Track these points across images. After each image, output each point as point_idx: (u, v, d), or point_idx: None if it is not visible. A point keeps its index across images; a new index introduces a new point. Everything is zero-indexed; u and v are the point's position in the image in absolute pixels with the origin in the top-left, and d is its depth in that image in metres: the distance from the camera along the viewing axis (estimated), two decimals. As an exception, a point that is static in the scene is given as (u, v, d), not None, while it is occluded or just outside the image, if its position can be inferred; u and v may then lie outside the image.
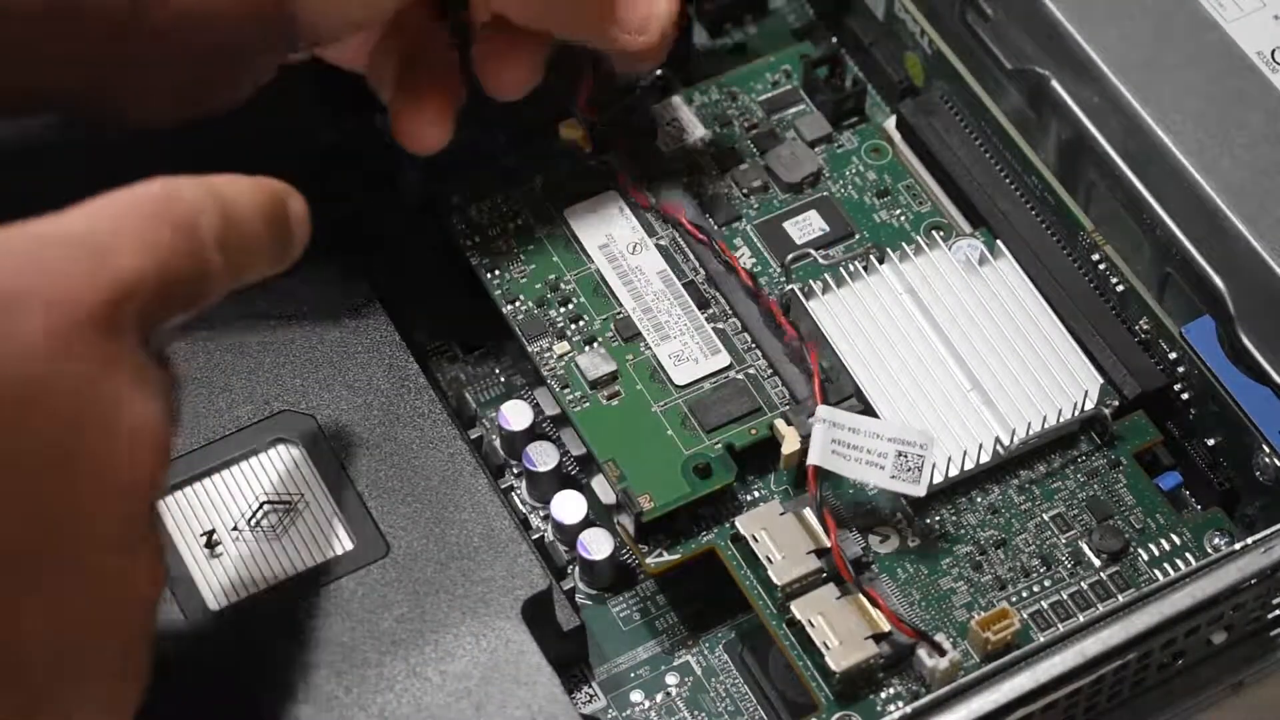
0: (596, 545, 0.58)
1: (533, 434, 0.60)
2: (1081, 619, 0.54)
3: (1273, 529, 0.52)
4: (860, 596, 0.54)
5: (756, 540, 0.55)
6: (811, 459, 0.55)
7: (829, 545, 0.55)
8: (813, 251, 0.62)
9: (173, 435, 0.45)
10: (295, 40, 0.54)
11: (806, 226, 0.63)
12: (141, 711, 0.51)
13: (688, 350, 0.59)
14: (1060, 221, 0.61)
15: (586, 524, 0.58)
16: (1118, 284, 0.60)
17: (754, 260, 0.62)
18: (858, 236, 0.63)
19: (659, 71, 0.66)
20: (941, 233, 0.62)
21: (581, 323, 0.60)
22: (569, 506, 0.58)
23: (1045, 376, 0.58)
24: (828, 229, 0.63)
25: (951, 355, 0.58)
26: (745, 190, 0.64)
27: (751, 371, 0.59)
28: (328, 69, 0.64)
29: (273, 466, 0.56)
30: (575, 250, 0.62)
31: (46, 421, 0.41)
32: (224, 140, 0.62)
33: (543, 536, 0.59)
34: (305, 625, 0.53)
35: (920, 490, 0.55)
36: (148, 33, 0.51)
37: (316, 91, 0.64)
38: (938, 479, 0.57)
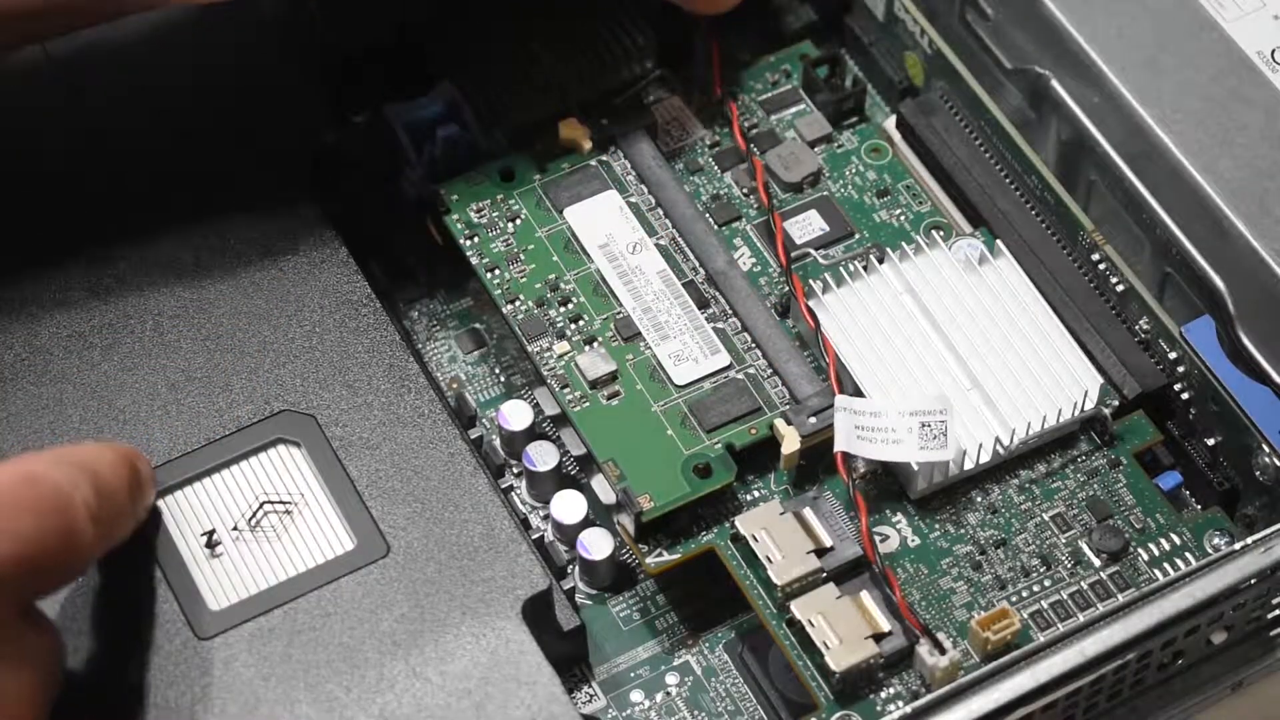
0: (596, 545, 0.58)
1: (533, 434, 0.60)
2: (1081, 619, 0.54)
3: (1273, 529, 0.52)
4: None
5: (756, 540, 0.55)
6: (838, 446, 0.55)
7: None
8: (813, 251, 0.62)
9: (52, 695, 0.48)
10: None
11: (806, 226, 0.63)
12: (146, 712, 0.51)
13: (688, 350, 0.59)
14: (1060, 221, 0.61)
15: (586, 524, 0.58)
16: (1118, 284, 0.60)
17: (754, 260, 0.62)
18: (858, 236, 0.63)
19: (658, 71, 0.66)
20: (941, 233, 0.62)
21: (581, 323, 0.60)
22: (569, 506, 0.58)
23: (1045, 376, 0.58)
24: (828, 229, 0.63)
25: (951, 355, 0.58)
26: (745, 190, 0.64)
27: (751, 371, 0.59)
28: (328, 68, 0.64)
29: (273, 466, 0.56)
30: (575, 250, 0.62)
31: None
32: (224, 140, 0.62)
33: (543, 536, 0.59)
34: (305, 625, 0.53)
35: (949, 454, 0.55)
36: None
37: (316, 91, 0.64)
38: (938, 478, 0.57)
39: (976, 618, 0.54)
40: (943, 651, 0.53)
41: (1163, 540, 0.56)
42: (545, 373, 0.59)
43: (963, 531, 0.57)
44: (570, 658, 0.57)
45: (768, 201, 0.62)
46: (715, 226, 0.63)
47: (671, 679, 0.57)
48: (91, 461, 0.49)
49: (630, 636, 0.58)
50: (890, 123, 0.66)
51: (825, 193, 0.64)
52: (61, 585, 0.50)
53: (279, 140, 0.62)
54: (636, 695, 0.57)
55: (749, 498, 0.58)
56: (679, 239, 0.62)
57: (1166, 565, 0.56)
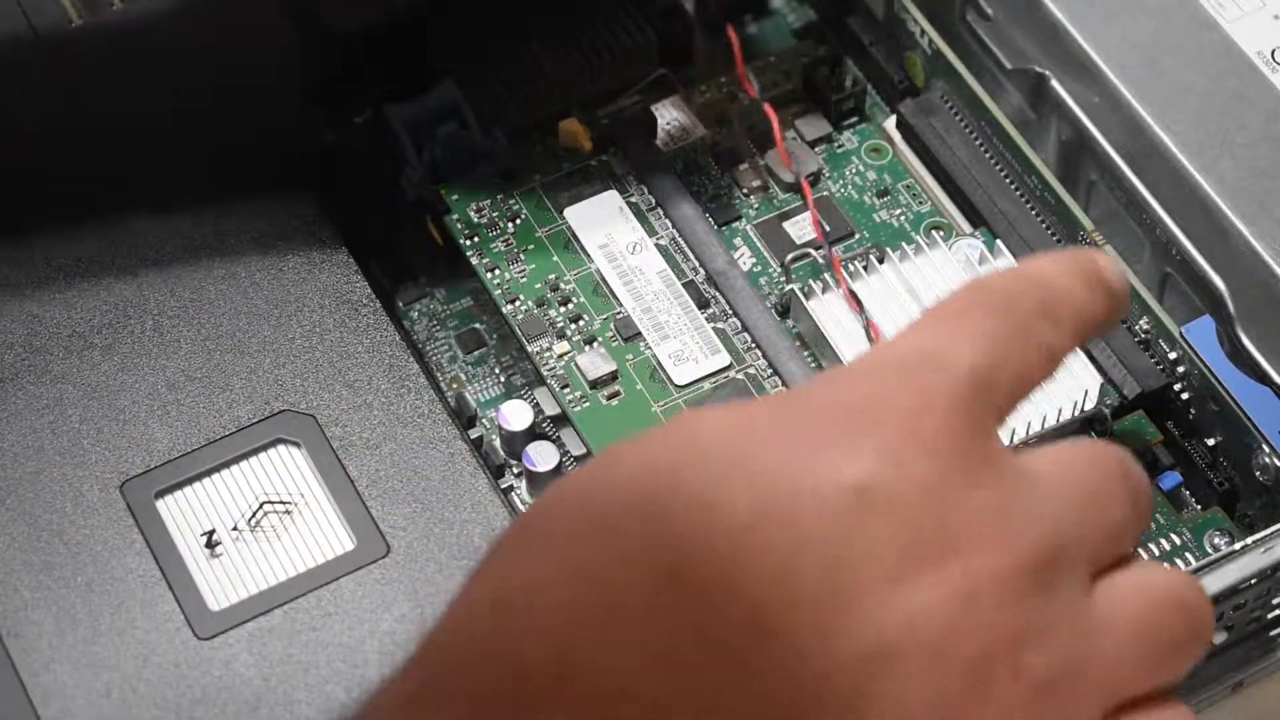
0: (596, 545, 0.58)
1: (533, 434, 0.60)
2: (1081, 619, 0.54)
3: (1273, 529, 0.52)
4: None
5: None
6: None
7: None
8: (813, 251, 0.62)
9: None
10: None
11: (806, 226, 0.63)
12: (146, 712, 0.51)
13: (688, 350, 0.59)
14: (1060, 221, 0.61)
15: (586, 524, 0.58)
16: (1118, 284, 0.60)
17: (754, 260, 0.62)
18: (858, 236, 0.63)
19: (658, 71, 0.66)
20: (941, 233, 0.62)
21: (581, 322, 0.60)
22: (569, 506, 0.58)
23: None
24: (828, 229, 0.63)
25: (951, 355, 0.58)
26: (745, 190, 0.64)
27: (751, 371, 0.59)
28: (329, 69, 0.64)
29: (273, 466, 0.56)
30: (575, 250, 0.62)
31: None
32: (224, 141, 0.62)
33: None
34: (305, 625, 0.53)
35: None
36: None
37: (317, 91, 0.64)
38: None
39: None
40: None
41: (1163, 540, 0.56)
42: (545, 373, 0.59)
43: (963, 531, 0.57)
44: (570, 658, 0.57)
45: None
46: (715, 226, 0.63)
47: (671, 679, 0.57)
48: (1031, 266, 0.45)
49: (630, 636, 0.58)
50: (890, 123, 0.65)
51: (825, 193, 0.64)
52: (1033, 388, 0.43)
53: (279, 140, 0.62)
54: (636, 695, 0.57)
55: (749, 498, 0.58)
56: (679, 239, 0.62)
57: (1166, 565, 0.55)
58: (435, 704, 0.38)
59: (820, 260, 0.62)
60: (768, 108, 0.63)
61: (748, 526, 0.38)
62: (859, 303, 0.59)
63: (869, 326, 0.58)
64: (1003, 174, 0.63)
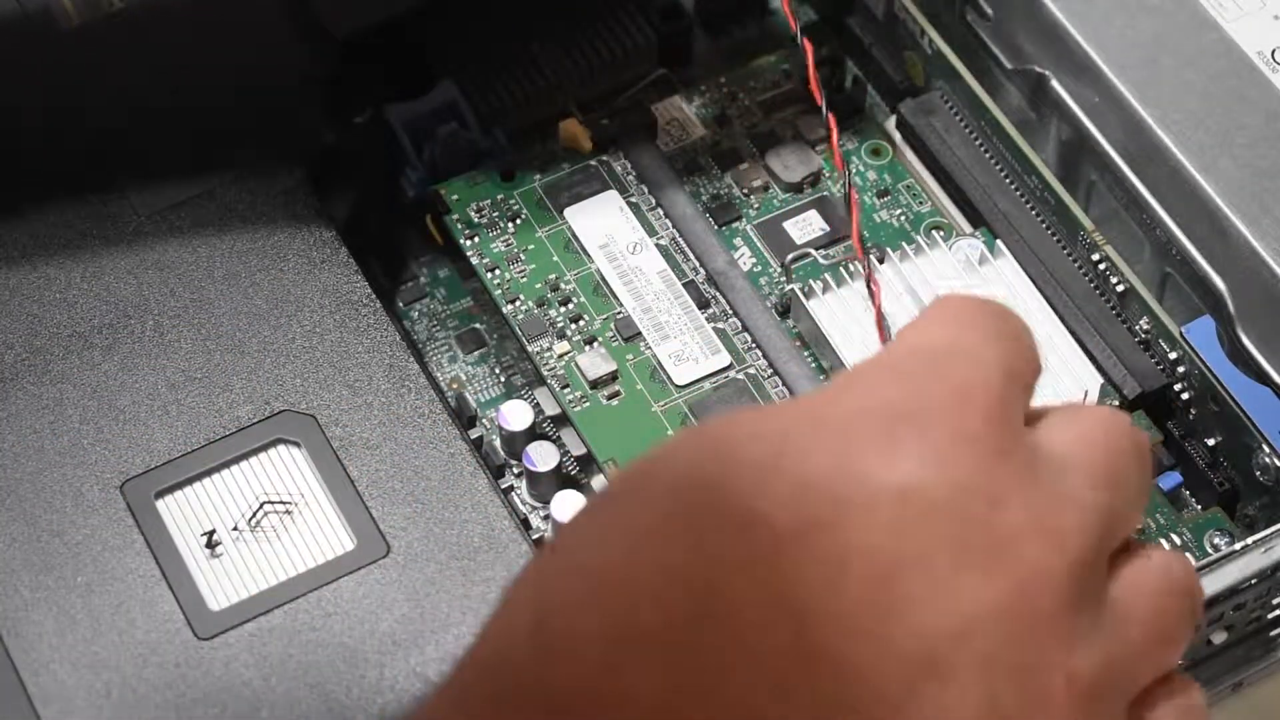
0: (596, 545, 0.58)
1: (533, 434, 0.60)
2: (1081, 619, 0.54)
3: (1273, 529, 0.52)
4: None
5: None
6: None
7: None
8: (813, 251, 0.62)
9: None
10: None
11: (806, 226, 0.63)
12: (146, 712, 0.51)
13: (688, 350, 0.59)
14: (1060, 221, 0.61)
15: (586, 524, 0.58)
16: (1118, 284, 0.60)
17: (754, 260, 0.62)
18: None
19: (658, 71, 0.66)
20: (941, 233, 0.62)
21: (581, 322, 0.60)
22: (569, 506, 0.58)
23: (1045, 376, 0.57)
24: (828, 229, 0.63)
25: (951, 355, 0.58)
26: (745, 190, 0.64)
27: (751, 371, 0.59)
28: (329, 69, 0.64)
29: (273, 466, 0.56)
30: (575, 250, 0.62)
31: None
32: (224, 141, 0.62)
33: (542, 536, 0.59)
34: (305, 625, 0.53)
35: None
36: None
37: (317, 92, 0.64)
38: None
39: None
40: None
41: (1163, 540, 0.56)
42: (545, 373, 0.59)
43: (963, 531, 0.57)
44: (570, 658, 0.57)
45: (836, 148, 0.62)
46: (715, 226, 0.63)
47: (671, 679, 0.57)
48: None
49: (630, 636, 0.58)
50: (890, 123, 0.65)
51: (825, 193, 0.64)
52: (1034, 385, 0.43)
53: (279, 140, 0.62)
54: (636, 695, 0.57)
55: (749, 498, 0.58)
56: (679, 239, 0.62)
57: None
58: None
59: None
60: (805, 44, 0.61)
61: (792, 539, 0.37)
62: (874, 295, 0.59)
63: (878, 323, 0.58)
64: (1003, 174, 0.63)
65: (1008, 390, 0.40)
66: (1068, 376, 0.58)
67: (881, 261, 0.60)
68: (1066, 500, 0.39)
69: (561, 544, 0.39)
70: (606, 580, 0.38)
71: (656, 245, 0.62)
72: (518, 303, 0.61)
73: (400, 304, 0.64)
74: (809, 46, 0.61)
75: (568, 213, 0.62)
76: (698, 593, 0.37)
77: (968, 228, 0.63)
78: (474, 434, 0.60)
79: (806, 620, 0.37)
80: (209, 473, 0.56)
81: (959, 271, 0.60)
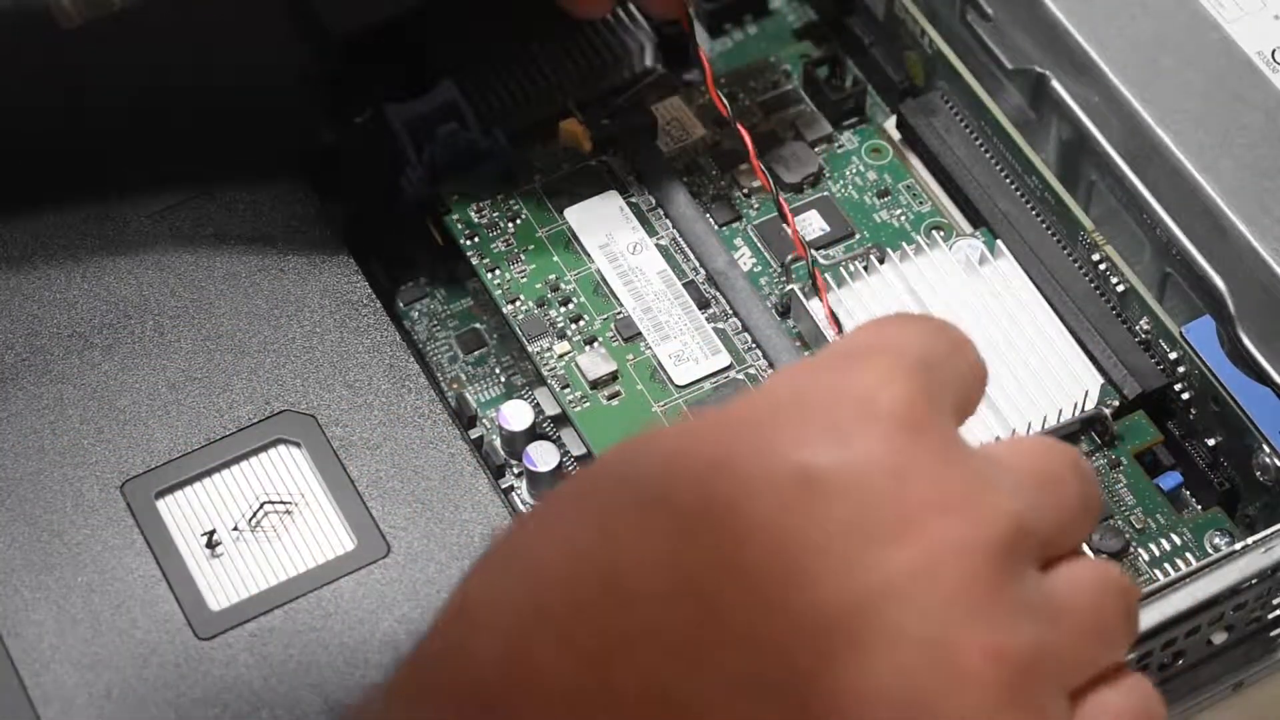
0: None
1: (533, 434, 0.60)
2: (1082, 619, 0.54)
3: (1273, 529, 0.52)
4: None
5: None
6: None
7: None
8: (813, 251, 0.62)
9: None
10: None
11: (806, 226, 0.63)
12: (146, 712, 0.51)
13: (688, 350, 0.59)
14: (1060, 221, 0.61)
15: (587, 524, 0.58)
16: (1118, 284, 0.60)
17: (754, 260, 0.62)
18: (858, 236, 0.63)
19: (660, 69, 0.66)
20: (941, 233, 0.62)
21: (581, 323, 0.60)
22: (569, 506, 0.58)
23: (1045, 376, 0.58)
24: (828, 229, 0.63)
25: (952, 355, 0.58)
26: (745, 190, 0.64)
27: (752, 371, 0.59)
28: (329, 69, 0.64)
29: (273, 466, 0.56)
30: (575, 250, 0.62)
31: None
32: (225, 140, 0.62)
33: (542, 536, 0.59)
34: (305, 625, 0.53)
35: None
36: None
37: (317, 92, 0.64)
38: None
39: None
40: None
41: (1163, 540, 0.56)
42: (545, 373, 0.59)
43: (963, 531, 0.57)
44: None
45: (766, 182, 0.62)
46: (715, 226, 0.63)
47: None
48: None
49: (630, 636, 0.58)
50: (890, 123, 0.65)
51: (825, 193, 0.64)
52: (970, 408, 0.43)
53: (279, 140, 0.62)
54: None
55: (749, 498, 0.58)
56: (679, 239, 0.62)
57: (1167, 565, 0.56)
58: (414, 700, 0.39)
59: (821, 261, 0.62)
60: (741, 129, 0.62)
61: (696, 518, 0.38)
62: (837, 322, 0.59)
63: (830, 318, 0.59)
64: (1003, 174, 0.63)
65: (928, 380, 0.40)
66: (1068, 376, 0.58)
67: (881, 262, 0.60)
68: (982, 482, 0.40)
69: (493, 539, 0.41)
70: (522, 564, 0.39)
71: (656, 245, 0.62)
72: (518, 303, 0.61)
73: (400, 304, 0.64)
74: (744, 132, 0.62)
75: (568, 213, 0.62)
76: (603, 573, 0.38)
77: (968, 228, 0.63)
78: (474, 434, 0.60)
79: (710, 596, 0.38)
80: (209, 473, 0.56)
81: (959, 271, 0.60)
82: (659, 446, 0.40)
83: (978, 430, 0.57)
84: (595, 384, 0.59)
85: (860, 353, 0.41)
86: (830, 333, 0.59)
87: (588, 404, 0.59)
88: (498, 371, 0.62)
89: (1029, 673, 0.39)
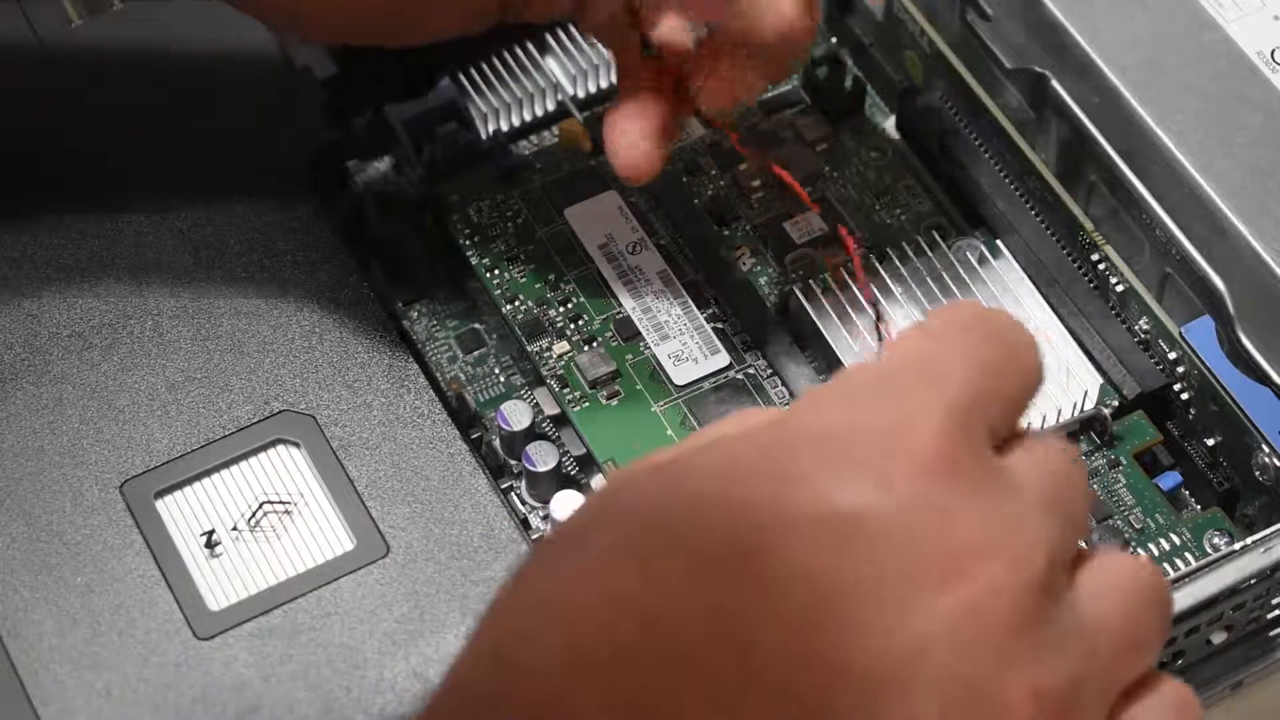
0: (596, 545, 0.58)
1: (533, 434, 0.60)
2: (1081, 619, 0.54)
3: (1273, 529, 0.52)
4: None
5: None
6: None
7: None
8: (812, 251, 0.62)
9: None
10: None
11: (806, 226, 0.63)
12: (146, 712, 0.51)
13: (687, 350, 0.59)
14: (1060, 221, 0.61)
15: (586, 524, 0.58)
16: (1118, 284, 0.60)
17: (754, 260, 0.62)
18: (858, 236, 0.63)
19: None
20: (941, 233, 0.62)
21: (581, 323, 0.60)
22: (569, 507, 0.58)
23: (1045, 376, 0.58)
24: (828, 229, 0.63)
25: (951, 355, 0.58)
26: (745, 190, 0.64)
27: (751, 371, 0.59)
28: (329, 69, 0.64)
29: (273, 466, 0.56)
30: (575, 250, 0.62)
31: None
32: (225, 140, 0.62)
33: (542, 536, 0.59)
34: (305, 625, 0.53)
35: None
36: None
37: (317, 92, 0.64)
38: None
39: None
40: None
41: (1163, 540, 0.56)
42: (545, 373, 0.59)
43: (963, 531, 0.57)
44: (570, 658, 0.56)
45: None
46: (715, 226, 0.63)
47: (671, 679, 0.57)
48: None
49: (630, 636, 0.58)
50: (890, 123, 0.65)
51: (825, 193, 0.64)
52: (1018, 414, 0.42)
53: (279, 140, 0.62)
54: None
55: (749, 498, 0.58)
56: (679, 239, 0.62)
57: (1166, 565, 0.56)
58: None
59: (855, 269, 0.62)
60: (778, 170, 0.61)
61: (734, 564, 0.37)
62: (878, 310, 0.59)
63: (879, 326, 0.58)
64: (1003, 174, 0.63)
65: (968, 412, 0.40)
66: (1067, 376, 0.58)
67: (881, 261, 0.60)
68: (1019, 518, 0.39)
69: (520, 576, 0.40)
70: (560, 610, 0.38)
71: (656, 245, 0.62)
72: (518, 303, 0.61)
73: (400, 304, 0.64)
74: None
75: (568, 213, 0.62)
76: (642, 620, 0.37)
77: (968, 228, 0.63)
78: (474, 434, 0.60)
79: (750, 645, 0.37)
80: (209, 473, 0.56)
81: (959, 271, 0.60)
82: (690, 485, 0.39)
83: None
84: (595, 384, 0.59)
85: (897, 379, 0.40)
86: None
87: (587, 404, 0.59)
88: (497, 371, 0.62)
89: (1070, 705, 0.39)
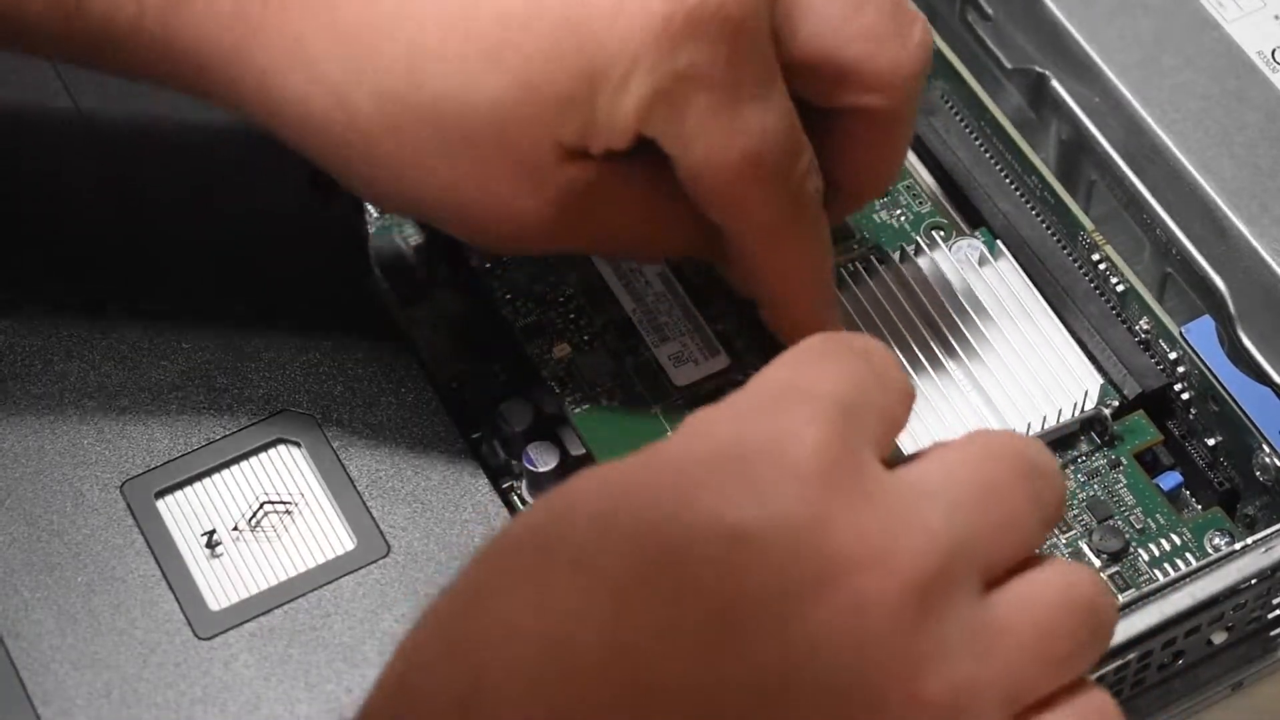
0: (596, 545, 0.58)
1: (532, 434, 0.60)
2: (1081, 619, 0.54)
3: (1273, 529, 0.52)
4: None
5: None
6: None
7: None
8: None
9: None
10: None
11: (806, 226, 0.63)
12: (146, 712, 0.51)
13: (687, 351, 0.59)
14: (1060, 221, 0.61)
15: (586, 524, 0.58)
16: (1118, 284, 0.60)
17: (754, 260, 0.62)
18: (858, 236, 0.63)
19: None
20: (941, 233, 0.62)
21: (581, 323, 0.60)
22: (569, 506, 0.58)
23: (1045, 376, 0.58)
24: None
25: (951, 356, 0.58)
26: (745, 190, 0.64)
27: (751, 373, 0.59)
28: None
29: (273, 466, 0.56)
30: (575, 250, 0.62)
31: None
32: (225, 140, 0.62)
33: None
34: (305, 625, 0.53)
35: None
36: None
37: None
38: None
39: (976, 618, 0.54)
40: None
41: (1163, 540, 0.56)
42: (545, 373, 0.59)
43: (963, 531, 0.57)
44: (570, 658, 0.57)
45: None
46: (715, 227, 0.63)
47: (671, 679, 0.57)
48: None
49: (630, 636, 0.58)
50: (890, 123, 0.65)
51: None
52: (894, 432, 0.43)
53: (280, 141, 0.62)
54: (636, 695, 0.57)
55: (749, 498, 0.58)
56: (679, 239, 0.62)
57: (1167, 565, 0.56)
58: None
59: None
60: None
61: (630, 587, 0.39)
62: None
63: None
64: (1003, 174, 0.63)
65: (844, 423, 0.41)
66: (1067, 376, 0.58)
67: (881, 262, 0.60)
68: (902, 523, 0.40)
69: (428, 607, 0.42)
70: (459, 641, 0.40)
71: (656, 245, 0.62)
72: (518, 303, 0.61)
73: (400, 304, 0.64)
74: None
75: (568, 213, 0.62)
76: (540, 647, 0.39)
77: (968, 228, 0.63)
78: (474, 434, 0.60)
79: (648, 664, 0.38)
80: (209, 473, 0.56)
81: (959, 271, 0.60)
82: (585, 508, 0.40)
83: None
84: (595, 384, 0.59)
85: (775, 398, 0.42)
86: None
87: (587, 404, 0.59)
88: (497, 371, 0.62)
89: (956, 709, 0.39)
